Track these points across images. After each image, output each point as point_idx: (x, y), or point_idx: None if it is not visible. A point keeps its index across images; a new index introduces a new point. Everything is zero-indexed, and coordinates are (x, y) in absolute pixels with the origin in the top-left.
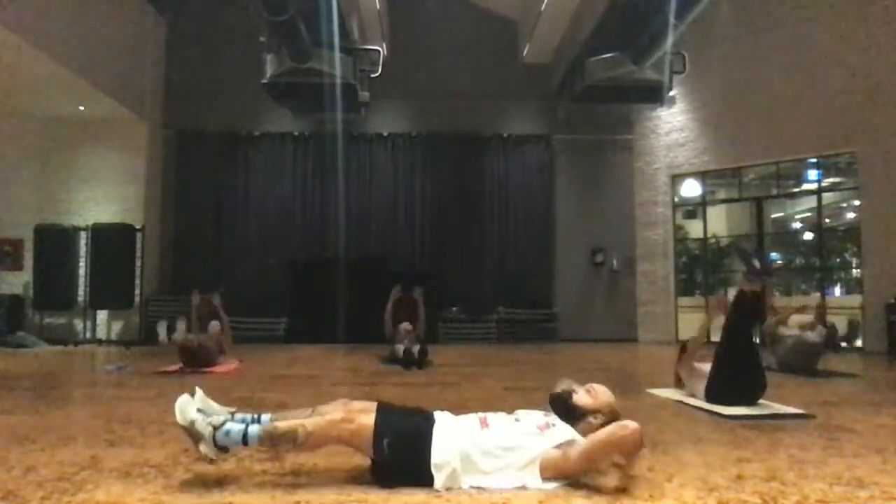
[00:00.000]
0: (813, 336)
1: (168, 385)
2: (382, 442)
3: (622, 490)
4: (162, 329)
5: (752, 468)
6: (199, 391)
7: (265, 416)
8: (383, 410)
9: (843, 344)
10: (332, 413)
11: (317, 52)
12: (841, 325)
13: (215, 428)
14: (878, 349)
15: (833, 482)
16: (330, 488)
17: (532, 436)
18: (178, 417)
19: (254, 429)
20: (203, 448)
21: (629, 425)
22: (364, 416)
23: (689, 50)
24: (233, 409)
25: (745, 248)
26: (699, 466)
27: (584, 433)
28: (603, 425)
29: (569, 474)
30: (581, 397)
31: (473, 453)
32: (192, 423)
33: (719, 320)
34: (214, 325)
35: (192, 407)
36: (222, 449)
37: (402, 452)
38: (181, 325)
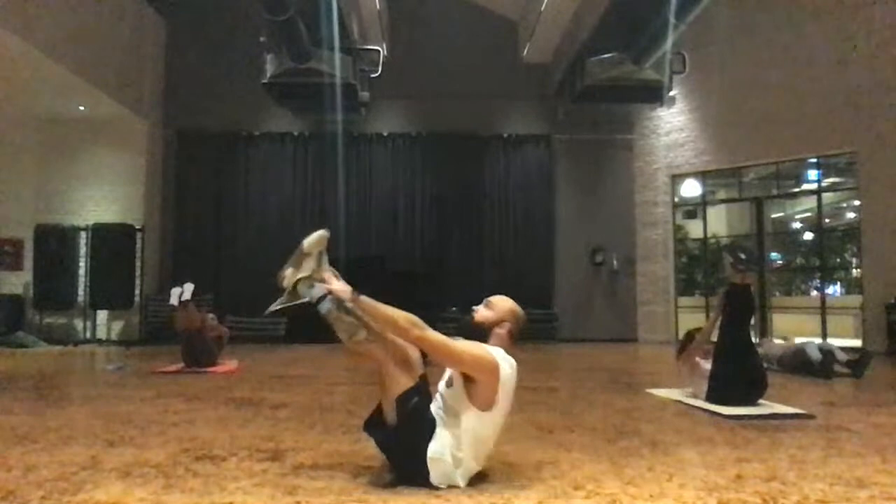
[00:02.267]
0: (813, 353)
1: (168, 385)
2: (412, 400)
3: (612, 489)
4: (175, 294)
5: (752, 468)
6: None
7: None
8: (425, 381)
9: (845, 369)
10: (386, 347)
11: (317, 52)
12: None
13: (311, 279)
14: (878, 349)
15: (833, 482)
16: (330, 488)
17: (449, 392)
18: (309, 240)
19: (328, 303)
20: (290, 272)
21: (493, 349)
22: (406, 373)
23: (689, 50)
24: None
25: (732, 243)
26: (699, 466)
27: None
28: (510, 332)
29: (457, 366)
30: (482, 313)
31: (457, 449)
32: (307, 256)
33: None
34: (211, 317)
35: (321, 246)
36: (298, 283)
37: (411, 427)
38: (188, 287)
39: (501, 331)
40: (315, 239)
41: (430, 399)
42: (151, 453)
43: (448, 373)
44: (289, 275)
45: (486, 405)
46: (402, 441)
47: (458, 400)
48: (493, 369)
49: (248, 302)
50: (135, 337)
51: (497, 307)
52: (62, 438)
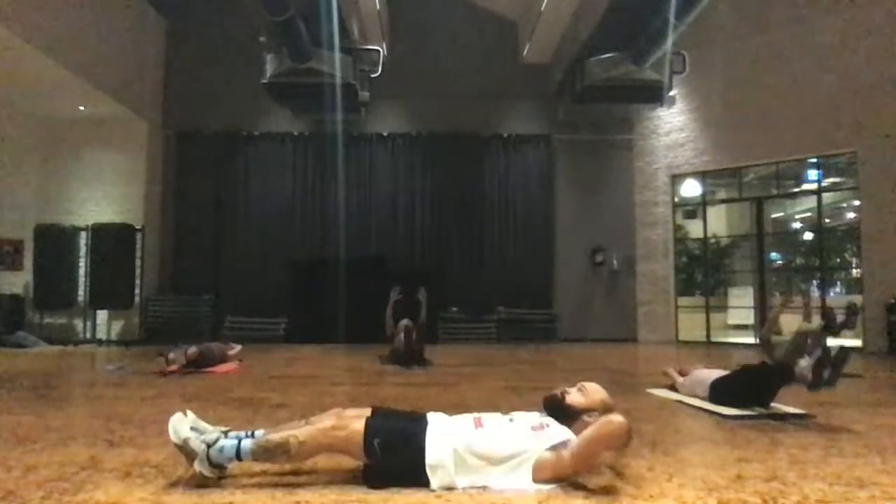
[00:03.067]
0: (810, 325)
1: (168, 385)
2: (374, 442)
3: (612, 489)
4: (161, 362)
5: (752, 468)
6: (190, 413)
7: (259, 432)
8: (375, 414)
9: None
10: (324, 421)
11: (317, 52)
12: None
13: (209, 445)
14: (879, 349)
15: (833, 482)
16: (330, 488)
17: (526, 437)
18: (172, 436)
19: (247, 443)
20: (198, 466)
21: (614, 419)
22: (356, 421)
23: (689, 50)
24: (226, 428)
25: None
26: (699, 466)
27: (580, 433)
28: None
29: (562, 475)
30: (574, 397)
31: (466, 454)
32: (186, 441)
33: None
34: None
35: (185, 425)
36: (217, 466)
37: (394, 453)
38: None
39: (590, 419)
40: (173, 429)
41: (392, 413)
42: (151, 453)
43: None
44: (199, 468)
45: (544, 478)
46: (396, 468)
47: (542, 451)
48: (619, 443)
49: (248, 302)
50: (135, 337)
51: (591, 395)
52: (62, 438)
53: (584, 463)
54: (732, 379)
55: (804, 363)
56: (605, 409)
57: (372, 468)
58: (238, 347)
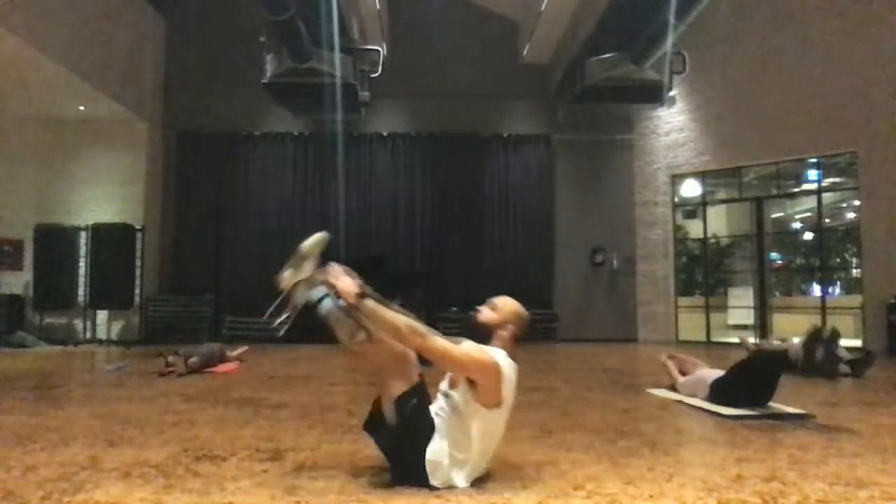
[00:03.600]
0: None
1: (168, 385)
2: (411, 401)
3: (612, 489)
4: (160, 363)
5: (752, 468)
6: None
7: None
8: (423, 385)
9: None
10: (386, 348)
11: (317, 52)
12: (845, 327)
13: (310, 281)
14: (879, 349)
15: (833, 482)
16: (330, 488)
17: (454, 393)
18: (308, 243)
19: (328, 303)
20: (289, 274)
21: (494, 355)
22: (406, 375)
23: (689, 50)
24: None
25: (820, 334)
26: (699, 466)
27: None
28: (513, 334)
29: (459, 371)
30: (484, 314)
31: (453, 446)
32: (306, 258)
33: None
34: (213, 346)
35: (319, 249)
36: (297, 285)
37: (410, 428)
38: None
39: (505, 333)
40: (314, 241)
41: (428, 400)
42: (151, 453)
43: (449, 375)
44: (287, 276)
45: (493, 403)
46: (401, 442)
47: (465, 401)
48: (495, 372)
49: (248, 302)
50: (135, 337)
51: (501, 309)
52: (62, 438)
53: (466, 357)
54: (731, 377)
55: (797, 347)
56: (520, 320)
57: (386, 424)
58: (244, 348)
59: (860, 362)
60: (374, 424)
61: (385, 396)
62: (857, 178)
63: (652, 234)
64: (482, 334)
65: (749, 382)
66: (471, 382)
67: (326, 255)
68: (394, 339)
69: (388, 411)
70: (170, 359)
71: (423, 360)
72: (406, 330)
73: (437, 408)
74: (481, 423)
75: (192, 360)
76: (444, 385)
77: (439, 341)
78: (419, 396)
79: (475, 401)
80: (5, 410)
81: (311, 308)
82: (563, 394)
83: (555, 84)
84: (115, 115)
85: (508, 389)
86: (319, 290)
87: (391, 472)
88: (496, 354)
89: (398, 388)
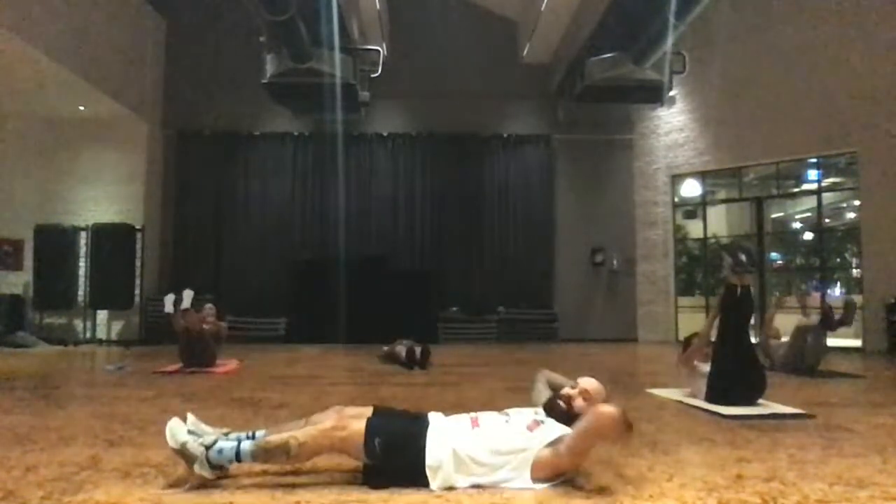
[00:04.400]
0: (808, 321)
1: (168, 385)
2: (374, 441)
3: (612, 489)
4: (169, 302)
5: (752, 468)
6: (190, 415)
7: (259, 432)
8: (377, 413)
9: (841, 326)
10: (324, 421)
11: (317, 52)
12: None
13: (207, 448)
14: (878, 349)
15: (833, 482)
16: (330, 488)
17: (522, 435)
18: (170, 441)
19: (246, 445)
20: (198, 468)
21: (604, 409)
22: (356, 421)
23: (689, 50)
24: (226, 430)
25: (732, 244)
26: (699, 466)
27: None
28: None
29: (560, 472)
30: (580, 405)
31: (464, 454)
32: (184, 444)
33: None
34: (210, 308)
35: (182, 429)
36: (216, 468)
37: (395, 453)
38: (188, 294)
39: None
40: (170, 434)
41: (394, 413)
42: (151, 453)
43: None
44: (199, 472)
45: (542, 476)
46: (396, 469)
47: (539, 449)
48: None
49: (248, 302)
50: (135, 337)
51: (595, 399)
52: (62, 438)
53: (581, 456)
54: (717, 363)
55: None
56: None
57: (372, 468)
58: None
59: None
60: (371, 474)
61: (355, 453)
62: (857, 178)
63: (652, 234)
64: (572, 420)
65: (731, 360)
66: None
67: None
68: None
69: (369, 460)
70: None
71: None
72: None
73: (519, 418)
74: (517, 470)
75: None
76: (541, 409)
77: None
78: (377, 431)
79: (543, 459)
80: (5, 410)
81: (238, 461)
82: None
83: (555, 84)
84: (115, 115)
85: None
86: (226, 443)
87: (391, 475)
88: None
89: (356, 439)
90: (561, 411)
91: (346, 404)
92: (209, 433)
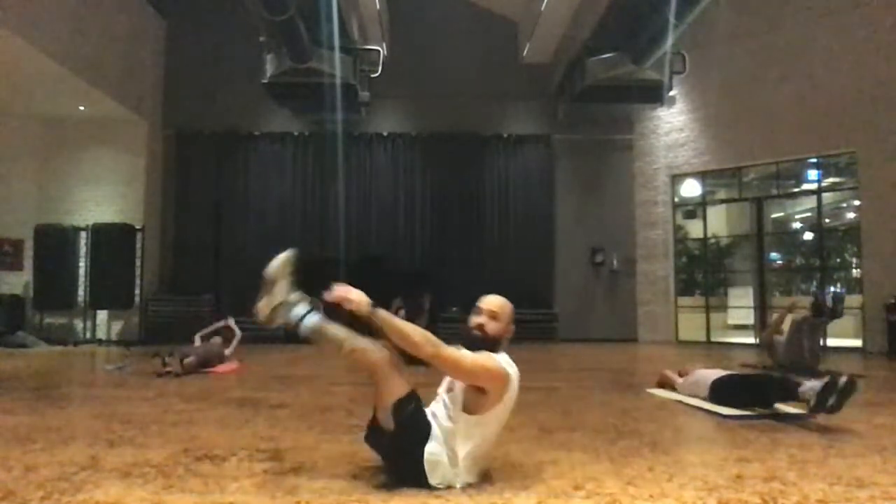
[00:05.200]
0: (803, 312)
1: (168, 385)
2: (408, 407)
3: (612, 489)
4: (157, 363)
5: (752, 468)
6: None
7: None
8: (416, 394)
9: (835, 318)
10: (378, 356)
11: (317, 52)
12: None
13: (292, 303)
14: (879, 349)
15: (833, 482)
16: (330, 488)
17: (450, 396)
18: (273, 264)
19: (313, 319)
20: (264, 302)
21: (502, 367)
22: (402, 381)
23: (689, 50)
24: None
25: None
26: (699, 466)
27: None
28: (510, 335)
29: (469, 380)
30: (491, 326)
31: (447, 447)
32: (276, 282)
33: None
34: (216, 339)
35: (287, 268)
36: (275, 310)
37: (408, 434)
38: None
39: (508, 336)
40: (279, 264)
41: (424, 403)
42: (151, 453)
43: (448, 378)
44: (263, 305)
45: (484, 410)
46: (399, 446)
47: (456, 406)
48: (504, 380)
49: (248, 302)
50: (135, 337)
51: (502, 316)
52: (62, 438)
53: (474, 370)
54: (734, 382)
55: (810, 385)
56: (513, 320)
57: (384, 431)
58: (237, 334)
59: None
60: (373, 434)
61: (380, 403)
62: (857, 178)
63: (652, 234)
64: (492, 347)
65: (750, 395)
66: (477, 390)
67: (312, 269)
68: (406, 348)
69: (385, 417)
70: (166, 359)
71: (421, 362)
72: (418, 339)
73: (436, 409)
74: (481, 426)
75: (189, 359)
76: (442, 388)
77: (451, 351)
78: (416, 401)
79: (467, 406)
80: (5, 410)
81: (294, 327)
82: (563, 394)
83: (555, 84)
84: (115, 115)
85: (508, 400)
86: (300, 308)
87: (390, 472)
88: (503, 361)
89: (394, 394)
90: (478, 339)
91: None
92: (296, 296)
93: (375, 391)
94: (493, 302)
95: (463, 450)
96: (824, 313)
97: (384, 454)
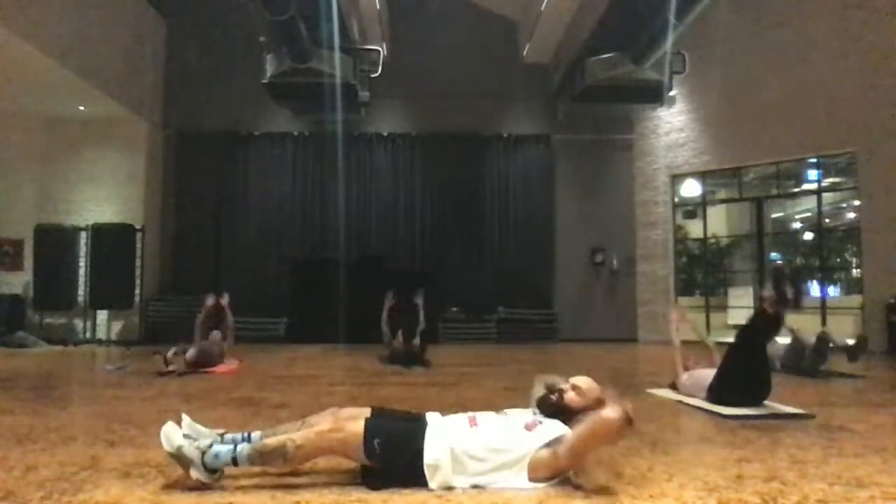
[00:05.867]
0: (808, 338)
1: (168, 385)
2: (374, 442)
3: (612, 489)
4: (159, 360)
5: (752, 468)
6: (185, 417)
7: (255, 434)
8: (374, 414)
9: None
10: (321, 424)
11: (317, 52)
12: (844, 327)
13: (203, 452)
14: (879, 349)
15: (833, 482)
16: (330, 488)
17: (520, 435)
18: (165, 445)
19: (243, 448)
20: (194, 473)
21: (606, 414)
22: (353, 423)
23: (689, 50)
24: (221, 431)
25: (783, 272)
26: (699, 466)
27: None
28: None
29: (558, 472)
30: (570, 397)
31: (461, 454)
32: (180, 448)
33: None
34: (216, 334)
35: (177, 433)
36: (212, 471)
37: (393, 453)
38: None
39: (581, 419)
40: (165, 439)
41: (391, 413)
42: (151, 453)
43: (536, 417)
44: (194, 476)
45: (541, 476)
46: (396, 470)
47: (537, 449)
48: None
49: (247, 302)
50: (135, 337)
51: (587, 395)
52: (62, 438)
53: (579, 459)
54: (721, 371)
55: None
56: (599, 405)
57: (371, 469)
58: (228, 316)
59: (855, 347)
60: (370, 476)
61: (354, 455)
62: (857, 178)
63: (652, 234)
64: (564, 416)
65: (741, 372)
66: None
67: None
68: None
69: (368, 461)
70: (168, 355)
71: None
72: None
73: (517, 418)
74: (515, 470)
75: (189, 353)
76: (537, 410)
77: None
78: (375, 432)
79: (541, 458)
80: (5, 410)
81: (235, 464)
82: None
83: (555, 84)
84: (115, 115)
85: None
86: (221, 447)
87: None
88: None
89: (356, 437)
90: (552, 404)
91: (345, 404)
92: (205, 435)
93: (342, 453)
94: (581, 378)
95: (482, 458)
96: (824, 355)
97: (388, 481)
